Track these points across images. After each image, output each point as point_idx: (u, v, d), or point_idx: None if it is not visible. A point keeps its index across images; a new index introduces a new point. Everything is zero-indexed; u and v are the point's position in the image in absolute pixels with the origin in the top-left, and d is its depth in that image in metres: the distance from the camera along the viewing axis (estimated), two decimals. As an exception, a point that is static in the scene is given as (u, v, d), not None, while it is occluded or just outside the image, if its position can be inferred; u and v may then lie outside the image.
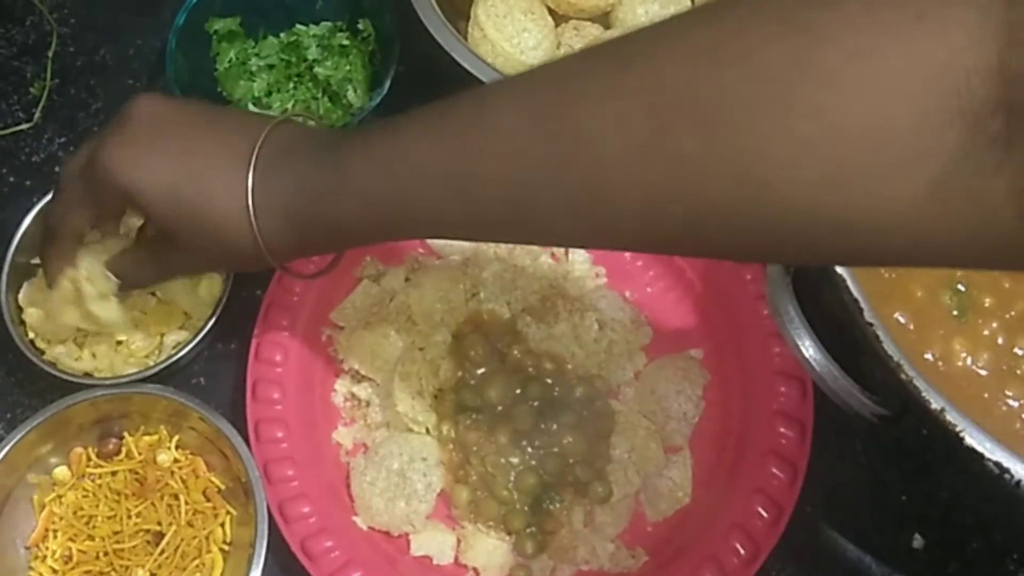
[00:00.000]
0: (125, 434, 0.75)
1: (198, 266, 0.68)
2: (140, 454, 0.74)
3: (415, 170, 0.53)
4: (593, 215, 0.47)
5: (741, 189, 0.41)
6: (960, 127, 0.36)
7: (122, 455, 0.74)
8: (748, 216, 0.42)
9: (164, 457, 0.73)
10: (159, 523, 0.72)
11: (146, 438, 0.75)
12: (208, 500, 0.73)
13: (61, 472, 0.74)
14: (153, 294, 0.77)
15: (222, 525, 0.72)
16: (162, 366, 0.73)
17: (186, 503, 0.72)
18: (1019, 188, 0.36)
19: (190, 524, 0.72)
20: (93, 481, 0.74)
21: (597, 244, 0.65)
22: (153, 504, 0.72)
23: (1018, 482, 0.56)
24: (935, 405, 0.57)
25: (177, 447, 0.74)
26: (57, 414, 0.72)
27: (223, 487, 0.73)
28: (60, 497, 0.73)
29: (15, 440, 0.71)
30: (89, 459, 0.74)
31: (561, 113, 0.46)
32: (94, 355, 0.76)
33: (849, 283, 0.60)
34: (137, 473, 0.74)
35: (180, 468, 0.74)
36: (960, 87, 0.35)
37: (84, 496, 0.73)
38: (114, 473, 0.74)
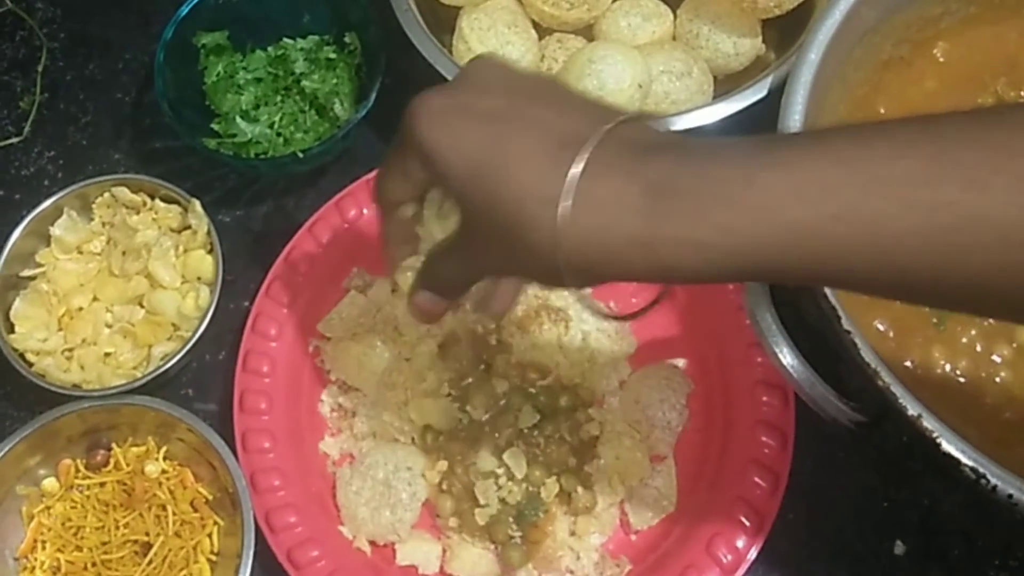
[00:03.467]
0: (113, 445, 0.75)
1: (495, 263, 0.53)
2: (128, 465, 0.74)
3: (843, 206, 0.42)
4: None
5: None
6: None
7: (110, 466, 0.75)
8: None
9: (152, 468, 0.74)
10: (147, 534, 0.72)
11: (134, 449, 0.75)
12: (196, 511, 0.74)
13: (50, 484, 0.74)
14: (141, 305, 0.78)
15: (209, 535, 0.73)
16: (150, 377, 0.74)
17: (174, 514, 0.73)
18: None
19: (178, 535, 0.72)
20: (81, 492, 0.74)
21: None
22: (141, 515, 0.73)
23: (994, 487, 0.57)
24: (912, 411, 0.58)
25: (165, 458, 0.75)
26: (45, 426, 0.72)
27: (210, 498, 0.74)
28: (48, 508, 0.74)
29: (3, 452, 0.71)
30: (77, 471, 0.75)
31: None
32: (82, 367, 0.76)
33: (827, 291, 0.61)
34: (125, 484, 0.74)
35: (168, 479, 0.74)
36: None
37: (72, 507, 0.74)
38: (102, 484, 0.74)
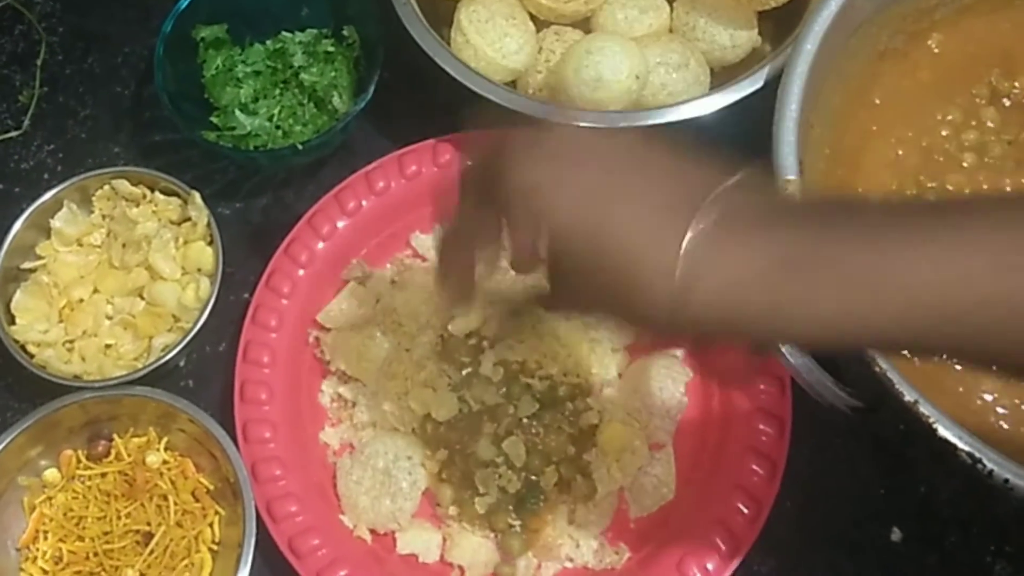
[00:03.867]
0: (115, 436, 0.76)
1: (594, 306, 0.53)
2: (129, 456, 0.75)
3: (986, 293, 0.42)
4: None
5: None
6: None
7: (111, 457, 0.75)
8: None
9: (153, 458, 0.74)
10: (148, 523, 0.73)
11: (135, 440, 0.76)
12: (197, 501, 0.74)
13: (51, 474, 0.75)
14: (141, 297, 0.78)
15: (211, 525, 0.73)
16: (150, 368, 0.74)
17: (175, 504, 0.73)
18: None
19: (179, 524, 0.73)
20: (83, 483, 0.75)
21: None
22: (142, 505, 0.73)
23: (990, 472, 0.57)
24: (908, 397, 0.58)
25: (166, 448, 0.75)
26: (46, 416, 0.72)
27: (212, 488, 0.74)
28: (50, 499, 0.74)
29: (5, 443, 0.71)
30: (79, 461, 0.75)
31: None
32: (83, 358, 0.77)
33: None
34: (127, 475, 0.75)
35: (169, 469, 0.75)
36: None
37: (74, 498, 0.74)
38: (104, 475, 0.75)
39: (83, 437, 0.76)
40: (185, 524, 0.73)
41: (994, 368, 0.49)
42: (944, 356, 0.52)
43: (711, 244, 0.45)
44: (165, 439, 0.75)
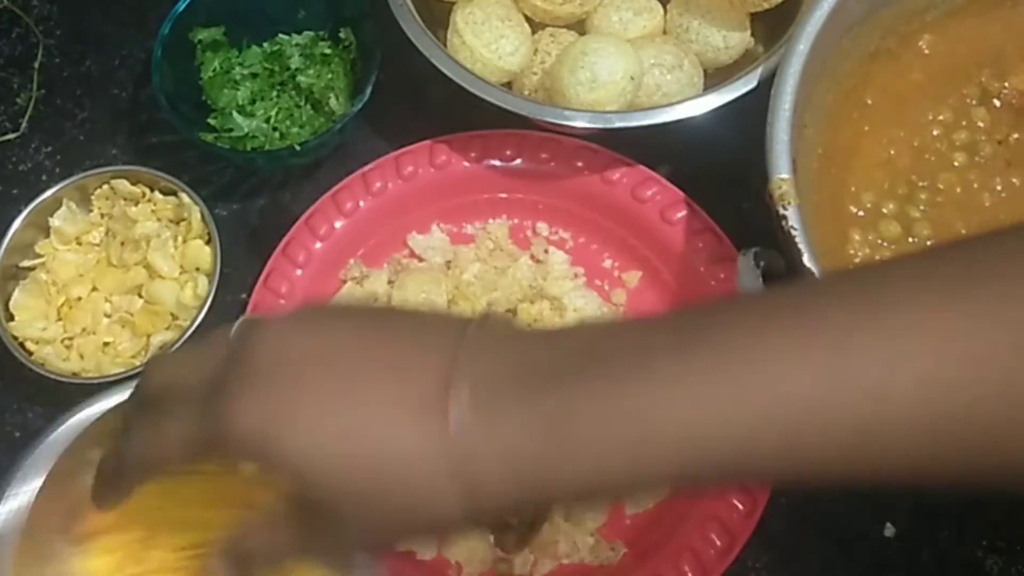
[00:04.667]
0: None
1: (356, 540, 0.44)
2: None
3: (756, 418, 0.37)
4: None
5: None
6: None
7: None
8: None
9: None
10: None
11: None
12: None
13: None
14: (139, 295, 0.79)
15: None
16: (149, 366, 0.75)
17: None
18: None
19: None
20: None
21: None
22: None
23: (982, 465, 0.58)
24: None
25: None
26: None
27: None
28: None
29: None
30: None
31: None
32: (82, 355, 0.77)
33: (818, 276, 0.62)
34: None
35: None
36: None
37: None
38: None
39: None
40: None
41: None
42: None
43: (475, 423, 0.39)
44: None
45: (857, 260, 0.72)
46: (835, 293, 0.39)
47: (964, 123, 0.77)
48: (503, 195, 0.84)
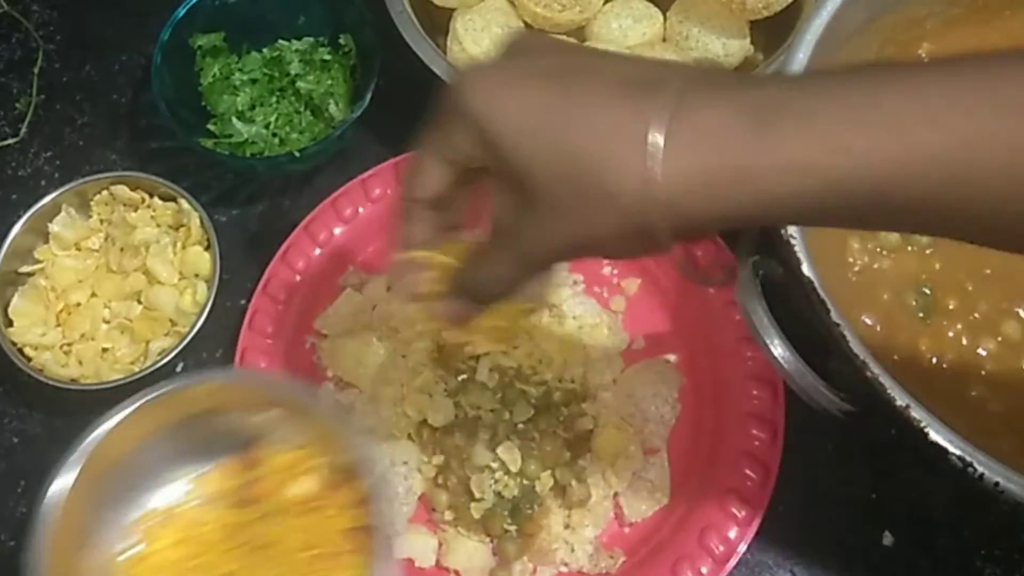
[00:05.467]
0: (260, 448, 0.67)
1: (566, 238, 0.46)
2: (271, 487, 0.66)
3: (977, 130, 0.40)
4: None
5: None
6: None
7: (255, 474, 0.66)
8: None
9: (299, 490, 0.65)
10: None
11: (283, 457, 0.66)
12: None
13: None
14: (138, 301, 0.79)
15: None
16: (147, 372, 0.75)
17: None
18: None
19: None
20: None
21: None
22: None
23: (980, 475, 0.58)
24: (900, 402, 0.59)
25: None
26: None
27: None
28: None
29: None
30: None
31: None
32: (80, 361, 0.77)
33: (816, 285, 0.62)
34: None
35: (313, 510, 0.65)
36: None
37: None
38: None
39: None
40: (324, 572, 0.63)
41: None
42: (940, 222, 0.45)
43: (683, 109, 0.42)
44: (320, 459, 0.65)
45: (856, 269, 0.72)
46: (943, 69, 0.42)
47: (963, 131, 0.77)
48: (502, 202, 0.84)
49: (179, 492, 0.67)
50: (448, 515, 0.75)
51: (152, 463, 0.66)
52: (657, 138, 0.41)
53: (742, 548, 0.70)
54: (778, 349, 0.63)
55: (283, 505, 0.64)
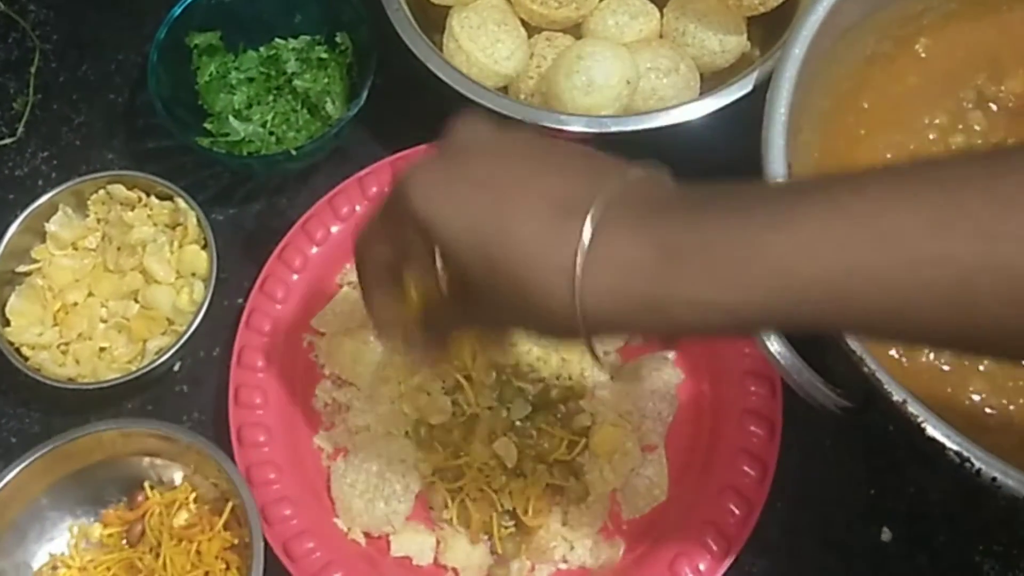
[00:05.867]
0: (148, 488, 0.75)
1: (501, 321, 0.53)
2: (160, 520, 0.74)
3: (853, 262, 0.42)
4: None
5: None
6: None
7: (143, 514, 0.74)
8: None
9: (180, 520, 0.73)
10: None
11: (167, 495, 0.74)
12: (225, 564, 0.72)
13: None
14: (135, 300, 0.79)
15: None
16: (144, 371, 0.75)
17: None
18: None
19: None
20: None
21: None
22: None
23: (978, 470, 0.58)
24: (897, 397, 0.59)
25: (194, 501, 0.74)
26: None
27: (235, 543, 0.73)
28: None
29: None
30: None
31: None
32: (77, 361, 0.77)
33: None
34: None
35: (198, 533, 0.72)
36: None
37: None
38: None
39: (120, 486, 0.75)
40: None
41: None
42: (848, 333, 0.52)
43: (599, 243, 0.45)
44: (194, 493, 0.74)
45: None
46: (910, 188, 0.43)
47: (960, 127, 0.76)
48: (500, 199, 0.84)
49: (72, 540, 0.74)
50: (446, 513, 0.75)
51: (45, 513, 0.73)
52: (575, 265, 0.45)
53: (740, 544, 0.70)
54: (774, 345, 0.63)
55: (166, 538, 0.72)
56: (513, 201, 0.47)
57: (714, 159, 0.80)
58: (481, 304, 0.50)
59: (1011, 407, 0.68)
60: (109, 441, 0.72)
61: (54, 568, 0.73)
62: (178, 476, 0.75)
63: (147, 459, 0.74)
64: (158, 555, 0.72)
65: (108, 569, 0.73)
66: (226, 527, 0.72)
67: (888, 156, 0.76)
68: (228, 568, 0.72)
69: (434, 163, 0.50)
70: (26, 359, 0.76)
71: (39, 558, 0.73)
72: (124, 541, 0.74)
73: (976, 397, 0.68)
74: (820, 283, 0.42)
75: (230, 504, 0.71)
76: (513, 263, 0.46)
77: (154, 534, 0.73)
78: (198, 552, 0.72)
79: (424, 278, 0.54)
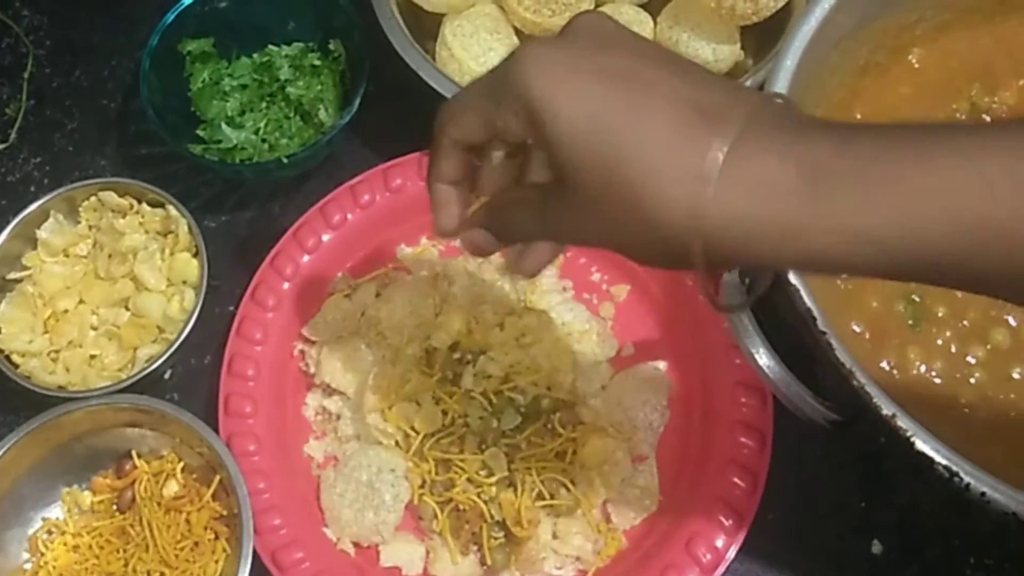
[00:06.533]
0: (136, 457, 0.76)
1: (592, 234, 0.47)
2: (147, 489, 0.75)
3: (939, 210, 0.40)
4: None
5: None
6: None
7: (132, 482, 0.76)
8: None
9: (169, 490, 0.74)
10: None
11: (155, 463, 0.76)
12: (212, 533, 0.74)
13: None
14: (126, 308, 0.79)
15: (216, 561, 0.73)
16: (135, 379, 0.75)
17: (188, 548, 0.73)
18: None
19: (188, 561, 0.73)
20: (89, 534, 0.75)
21: None
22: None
23: (967, 485, 0.57)
24: (886, 411, 0.59)
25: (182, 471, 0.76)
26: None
27: (224, 513, 0.74)
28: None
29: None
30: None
31: None
32: (68, 369, 0.77)
33: (803, 294, 0.62)
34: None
35: (186, 504, 0.74)
36: None
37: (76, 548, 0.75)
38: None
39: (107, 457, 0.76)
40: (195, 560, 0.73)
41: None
42: (995, 286, 0.44)
43: (739, 155, 0.41)
44: (181, 463, 0.75)
45: (845, 276, 0.71)
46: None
47: (954, 137, 0.76)
48: (492, 208, 0.84)
49: (64, 507, 0.76)
50: (435, 523, 0.74)
51: (40, 482, 0.75)
52: (710, 177, 0.41)
53: (730, 556, 0.70)
54: (763, 358, 0.62)
55: (155, 507, 0.73)
56: (648, 97, 0.43)
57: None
58: (572, 211, 0.45)
59: (1002, 420, 0.68)
60: (99, 414, 0.73)
61: (49, 533, 0.75)
62: (165, 447, 0.76)
63: (135, 430, 0.75)
64: (148, 525, 0.73)
65: (100, 535, 0.74)
66: (214, 498, 0.73)
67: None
68: (217, 538, 0.73)
69: (557, 43, 0.45)
70: (16, 366, 0.76)
71: (35, 524, 0.75)
72: (115, 507, 0.75)
73: (967, 410, 0.68)
74: (995, 223, 0.39)
75: (217, 477, 0.72)
76: (636, 164, 0.42)
77: (144, 504, 0.74)
78: (187, 522, 0.73)
79: (507, 167, 0.49)
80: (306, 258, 0.81)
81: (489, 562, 0.73)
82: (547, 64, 0.44)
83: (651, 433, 0.77)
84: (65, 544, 0.74)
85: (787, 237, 0.41)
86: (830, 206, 0.41)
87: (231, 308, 0.81)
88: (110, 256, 0.80)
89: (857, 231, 0.41)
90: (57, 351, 0.78)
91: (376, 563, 0.74)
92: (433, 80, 0.79)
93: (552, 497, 0.74)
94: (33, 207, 0.80)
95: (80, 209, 0.82)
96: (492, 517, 0.74)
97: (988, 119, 0.76)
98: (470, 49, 0.81)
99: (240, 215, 0.88)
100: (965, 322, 0.70)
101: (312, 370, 0.79)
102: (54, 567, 0.73)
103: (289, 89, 0.87)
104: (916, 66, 0.78)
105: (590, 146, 0.43)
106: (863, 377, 0.59)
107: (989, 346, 0.70)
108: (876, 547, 0.74)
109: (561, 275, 0.83)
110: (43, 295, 0.79)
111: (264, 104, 0.88)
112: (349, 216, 0.82)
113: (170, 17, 0.85)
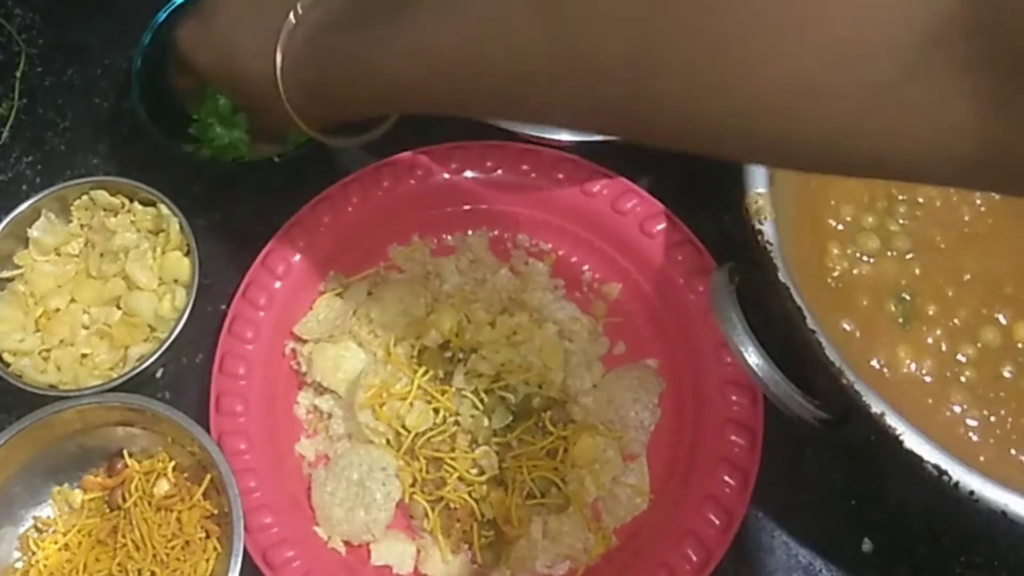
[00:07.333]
0: (127, 456, 0.76)
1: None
2: (138, 488, 0.75)
3: (432, 57, 0.55)
4: (586, 95, 0.48)
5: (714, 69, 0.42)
6: (923, 43, 0.36)
7: (123, 482, 0.76)
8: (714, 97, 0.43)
9: (160, 489, 0.74)
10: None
11: (146, 462, 0.76)
12: (204, 532, 0.74)
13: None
14: (118, 307, 0.79)
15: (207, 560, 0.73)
16: (126, 378, 0.74)
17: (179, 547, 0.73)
18: (976, 112, 0.36)
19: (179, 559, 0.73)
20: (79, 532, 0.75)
21: (590, 124, 0.61)
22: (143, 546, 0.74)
23: (956, 483, 0.58)
24: (875, 409, 0.59)
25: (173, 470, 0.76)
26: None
27: (215, 512, 0.74)
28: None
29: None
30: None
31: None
32: (59, 367, 0.76)
33: (792, 292, 0.62)
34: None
35: (178, 503, 0.74)
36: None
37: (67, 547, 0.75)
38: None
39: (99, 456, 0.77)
40: (186, 558, 0.73)
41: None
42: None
43: (290, 53, 0.65)
44: (173, 463, 0.76)
45: (835, 274, 0.71)
46: None
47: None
48: (483, 206, 0.84)
49: (55, 506, 0.76)
50: (426, 522, 0.74)
51: (31, 481, 0.75)
52: (279, 80, 0.66)
53: (720, 554, 0.70)
54: (752, 357, 0.63)
55: (146, 506, 0.74)
56: (240, 39, 0.69)
57: (698, 167, 0.80)
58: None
59: (992, 419, 0.68)
60: (90, 412, 0.74)
61: (39, 531, 0.75)
62: (156, 446, 0.76)
63: (126, 429, 0.76)
64: (139, 524, 0.73)
65: (91, 534, 0.74)
66: (205, 496, 0.74)
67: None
68: (208, 537, 0.73)
69: (194, 13, 0.73)
70: (7, 365, 0.76)
71: (25, 523, 0.75)
72: (106, 506, 0.75)
73: (957, 408, 0.68)
74: (450, 64, 0.54)
75: (208, 475, 0.73)
76: (251, 87, 0.70)
77: (135, 503, 0.74)
78: (178, 521, 0.73)
79: None
80: (298, 257, 0.81)
81: (480, 560, 0.73)
82: (186, 33, 0.75)
83: (642, 431, 0.77)
84: (56, 543, 0.74)
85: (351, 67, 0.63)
86: (378, 41, 0.60)
87: (223, 307, 0.81)
88: (101, 255, 0.80)
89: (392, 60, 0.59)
90: (48, 350, 0.77)
91: (367, 562, 0.74)
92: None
93: (543, 495, 0.74)
94: (25, 206, 0.80)
95: (72, 208, 0.82)
96: (483, 515, 0.74)
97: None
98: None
99: (232, 214, 0.88)
100: (956, 321, 0.71)
101: (303, 369, 0.79)
102: (45, 566, 0.73)
103: (281, 88, 0.87)
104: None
105: (227, 80, 0.73)
106: (852, 376, 0.60)
107: (980, 344, 0.70)
108: (867, 545, 0.74)
109: (552, 274, 0.83)
110: (34, 294, 0.79)
111: (256, 103, 0.87)
112: (341, 215, 0.82)
113: (162, 16, 0.84)
